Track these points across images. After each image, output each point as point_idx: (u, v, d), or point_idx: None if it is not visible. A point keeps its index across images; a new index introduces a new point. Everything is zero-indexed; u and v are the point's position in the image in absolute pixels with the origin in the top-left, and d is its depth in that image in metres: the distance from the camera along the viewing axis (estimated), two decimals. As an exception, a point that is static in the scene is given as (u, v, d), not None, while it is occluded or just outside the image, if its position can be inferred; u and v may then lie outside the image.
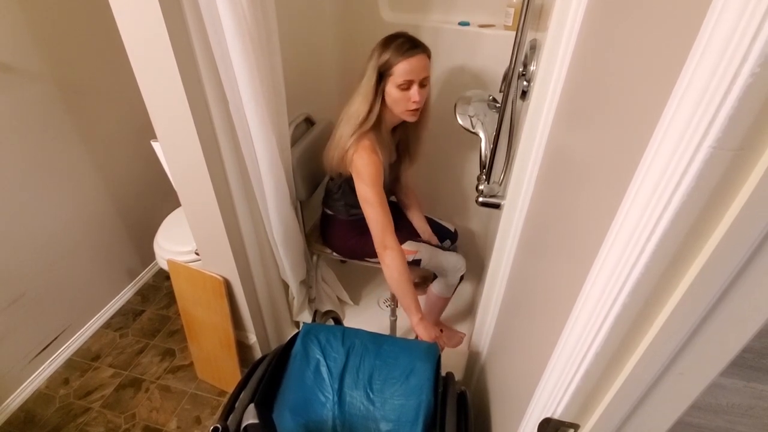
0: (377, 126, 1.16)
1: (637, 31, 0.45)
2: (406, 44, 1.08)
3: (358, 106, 1.13)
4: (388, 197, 1.36)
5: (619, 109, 0.47)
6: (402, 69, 1.07)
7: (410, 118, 1.17)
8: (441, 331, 1.39)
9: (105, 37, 1.55)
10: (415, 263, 1.39)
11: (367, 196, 1.15)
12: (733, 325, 0.37)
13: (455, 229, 1.54)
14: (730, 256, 0.32)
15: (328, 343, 1.03)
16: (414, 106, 1.13)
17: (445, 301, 1.52)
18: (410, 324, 1.18)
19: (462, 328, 1.68)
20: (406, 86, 1.10)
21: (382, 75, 1.10)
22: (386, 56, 1.08)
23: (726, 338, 0.38)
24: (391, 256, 1.16)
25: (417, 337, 1.18)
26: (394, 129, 1.27)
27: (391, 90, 1.11)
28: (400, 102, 1.12)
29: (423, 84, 1.12)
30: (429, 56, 1.12)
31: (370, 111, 1.12)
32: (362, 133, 1.14)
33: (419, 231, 1.51)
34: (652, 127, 0.34)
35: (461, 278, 1.43)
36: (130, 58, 0.95)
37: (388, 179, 1.25)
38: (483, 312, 1.19)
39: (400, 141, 1.32)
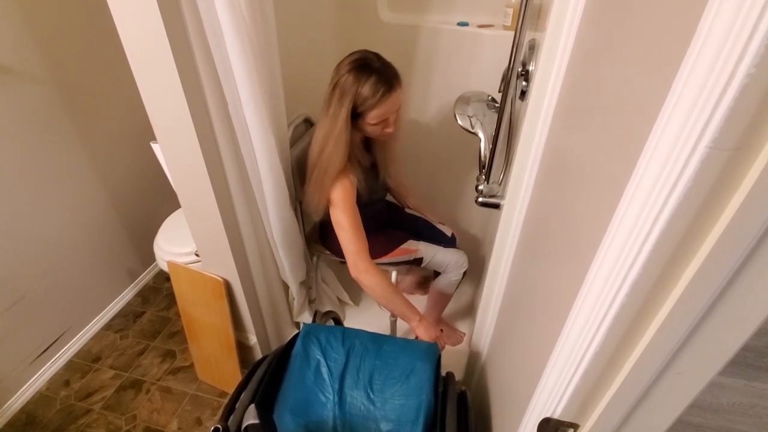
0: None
1: (634, 32, 0.45)
2: (380, 86, 1.01)
3: (333, 155, 1.08)
4: (375, 201, 1.36)
5: (617, 109, 0.47)
6: (377, 113, 1.05)
7: (385, 138, 1.18)
8: (441, 330, 1.39)
9: (105, 39, 1.55)
10: (416, 262, 1.39)
11: (339, 221, 1.14)
12: (732, 324, 0.37)
13: (453, 234, 1.54)
14: (728, 255, 0.32)
15: (328, 344, 1.03)
16: (387, 135, 1.14)
17: (448, 297, 1.52)
18: (410, 327, 1.18)
19: (462, 327, 1.68)
20: (380, 124, 1.10)
21: (354, 112, 1.06)
22: (359, 98, 1.03)
23: (724, 337, 0.38)
24: (367, 278, 1.14)
25: (417, 338, 1.18)
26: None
27: (365, 125, 1.10)
28: (374, 132, 1.13)
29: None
30: (401, 85, 1.08)
31: (347, 156, 1.10)
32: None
33: (417, 210, 1.53)
34: (649, 127, 0.35)
35: (464, 274, 1.44)
36: (129, 60, 0.95)
37: (370, 182, 1.25)
38: (483, 312, 1.19)
39: (371, 149, 1.30)
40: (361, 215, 1.18)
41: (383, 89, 1.02)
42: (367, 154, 1.29)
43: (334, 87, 1.05)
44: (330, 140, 1.08)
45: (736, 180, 0.30)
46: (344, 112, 1.04)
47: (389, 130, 1.13)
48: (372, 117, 1.07)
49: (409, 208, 1.57)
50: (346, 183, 1.13)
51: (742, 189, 0.30)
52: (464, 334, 1.64)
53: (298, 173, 1.32)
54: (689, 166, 0.30)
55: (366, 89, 1.02)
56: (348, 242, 1.14)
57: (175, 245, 1.51)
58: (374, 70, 1.03)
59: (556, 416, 0.52)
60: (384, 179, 1.37)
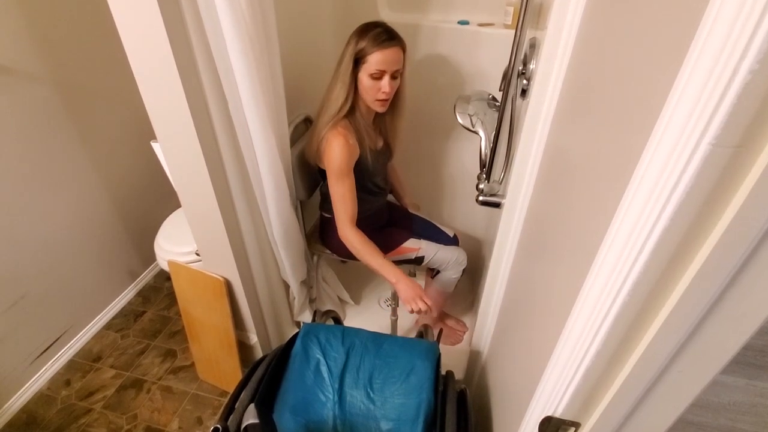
0: (352, 111, 1.18)
1: (635, 29, 0.45)
2: (383, 35, 1.10)
3: (337, 93, 1.15)
4: (381, 186, 1.37)
5: (618, 107, 0.47)
6: (376, 59, 1.09)
7: (379, 108, 1.19)
8: (441, 330, 1.39)
9: (105, 39, 1.55)
10: (417, 261, 1.39)
11: (330, 186, 1.18)
12: (733, 323, 0.36)
13: (454, 234, 1.54)
14: (730, 253, 0.32)
15: (328, 343, 1.03)
16: (383, 97, 1.15)
17: (447, 296, 1.52)
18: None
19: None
20: (378, 76, 1.11)
21: (357, 61, 1.12)
22: (362, 44, 1.10)
23: (726, 336, 0.38)
24: (346, 240, 1.21)
25: (418, 327, 1.17)
26: (375, 116, 1.29)
27: (363, 77, 1.12)
28: (370, 91, 1.14)
29: (394, 76, 1.14)
30: (404, 50, 1.14)
31: (346, 98, 1.14)
32: (336, 121, 1.15)
33: (415, 210, 1.55)
34: (652, 125, 0.34)
35: (463, 272, 1.44)
36: (129, 59, 0.95)
37: (372, 165, 1.26)
38: (483, 311, 1.19)
39: (382, 129, 1.34)
40: (363, 210, 1.20)
41: (385, 37, 1.09)
42: (379, 135, 1.32)
43: (348, 41, 1.13)
44: (338, 81, 1.15)
45: (738, 177, 0.30)
46: (349, 53, 1.11)
47: (385, 90, 1.13)
48: (371, 63, 1.10)
49: (408, 208, 1.57)
50: (344, 148, 1.14)
51: (745, 187, 0.30)
52: (467, 329, 1.64)
53: (299, 172, 1.32)
54: (692, 163, 0.30)
55: (370, 36, 1.09)
56: (336, 209, 1.21)
57: (175, 244, 1.51)
58: (381, 25, 1.12)
59: (557, 415, 0.52)
60: (390, 167, 1.40)
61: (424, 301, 1.13)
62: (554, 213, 0.70)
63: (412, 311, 1.14)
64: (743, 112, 0.27)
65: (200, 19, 0.91)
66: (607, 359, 0.43)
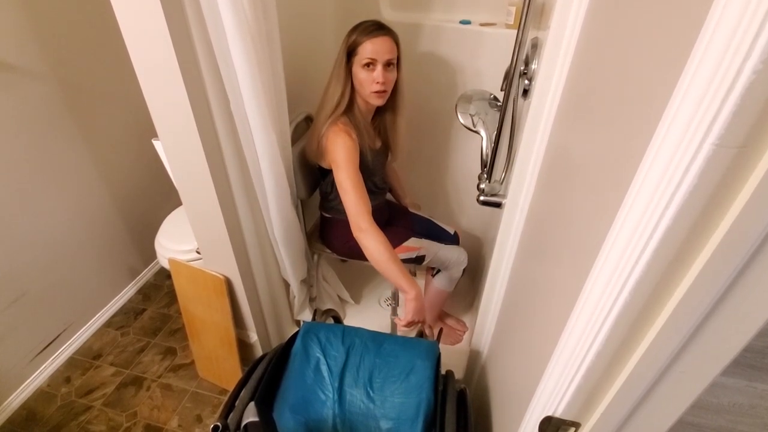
0: (351, 109, 1.19)
1: (639, 29, 0.45)
2: (372, 26, 1.13)
3: (333, 88, 1.17)
4: (379, 186, 1.37)
5: (621, 108, 0.47)
6: (366, 49, 1.11)
7: (375, 101, 1.19)
8: (441, 329, 1.39)
9: (107, 37, 1.56)
10: (418, 260, 1.39)
11: (340, 181, 1.16)
12: (735, 324, 0.36)
13: (455, 232, 1.54)
14: (732, 254, 0.32)
15: (328, 342, 1.04)
16: (377, 88, 1.14)
17: (447, 295, 1.52)
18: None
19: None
20: (370, 66, 1.12)
21: (350, 56, 1.14)
22: (353, 36, 1.13)
23: (727, 337, 0.38)
24: (367, 238, 1.12)
25: (421, 334, 1.18)
26: (374, 117, 1.29)
27: (357, 70, 1.14)
28: (365, 83, 1.15)
29: (388, 65, 1.15)
30: (395, 41, 1.15)
31: (342, 93, 1.16)
32: (335, 118, 1.16)
33: (415, 209, 1.56)
34: (655, 125, 0.34)
35: (463, 271, 1.44)
36: (131, 57, 0.95)
37: (372, 163, 1.26)
38: (484, 310, 1.19)
39: (381, 130, 1.34)
40: None
41: (374, 28, 1.13)
42: (377, 135, 1.32)
43: (343, 40, 1.16)
44: (333, 78, 1.18)
45: (742, 178, 0.30)
46: (342, 50, 1.15)
47: (379, 80, 1.13)
48: (362, 54, 1.12)
49: (408, 207, 1.57)
50: (346, 141, 1.14)
51: (748, 187, 0.30)
52: (467, 328, 1.64)
53: (300, 171, 1.32)
54: (695, 163, 0.30)
55: (360, 29, 1.13)
56: (350, 204, 1.15)
57: (176, 242, 1.51)
58: (372, 20, 1.16)
59: (557, 415, 0.52)
60: (390, 168, 1.39)
61: (423, 326, 1.15)
62: (556, 213, 0.70)
63: (408, 326, 1.14)
64: (747, 113, 0.27)
65: (202, 16, 0.91)
66: (608, 359, 0.43)
